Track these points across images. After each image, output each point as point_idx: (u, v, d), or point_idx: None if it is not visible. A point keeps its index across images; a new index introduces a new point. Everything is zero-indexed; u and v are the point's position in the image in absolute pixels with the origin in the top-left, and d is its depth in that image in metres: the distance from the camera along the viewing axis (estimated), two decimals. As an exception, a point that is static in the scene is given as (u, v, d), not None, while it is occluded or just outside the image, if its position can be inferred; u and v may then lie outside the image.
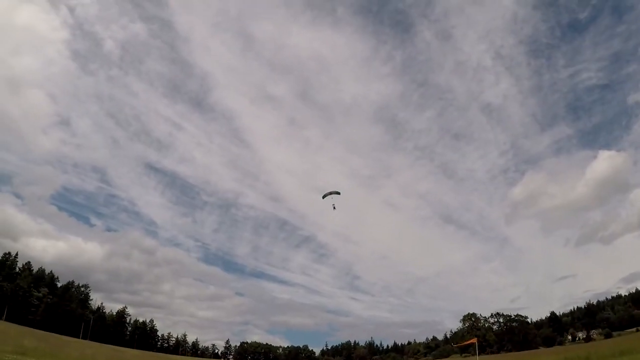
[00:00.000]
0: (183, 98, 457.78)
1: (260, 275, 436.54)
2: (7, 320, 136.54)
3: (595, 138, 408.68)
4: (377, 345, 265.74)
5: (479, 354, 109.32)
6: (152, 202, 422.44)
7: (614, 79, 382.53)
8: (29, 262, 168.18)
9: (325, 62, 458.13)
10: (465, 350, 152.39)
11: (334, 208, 75.09)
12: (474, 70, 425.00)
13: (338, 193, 74.01)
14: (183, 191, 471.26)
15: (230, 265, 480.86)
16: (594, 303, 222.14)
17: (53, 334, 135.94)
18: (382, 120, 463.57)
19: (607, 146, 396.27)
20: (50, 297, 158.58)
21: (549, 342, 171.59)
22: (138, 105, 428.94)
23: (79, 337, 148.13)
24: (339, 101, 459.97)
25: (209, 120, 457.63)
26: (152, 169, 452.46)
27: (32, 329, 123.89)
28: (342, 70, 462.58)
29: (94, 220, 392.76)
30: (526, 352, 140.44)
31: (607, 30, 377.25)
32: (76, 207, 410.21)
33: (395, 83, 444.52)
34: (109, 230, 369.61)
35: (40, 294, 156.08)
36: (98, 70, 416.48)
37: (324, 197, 74.26)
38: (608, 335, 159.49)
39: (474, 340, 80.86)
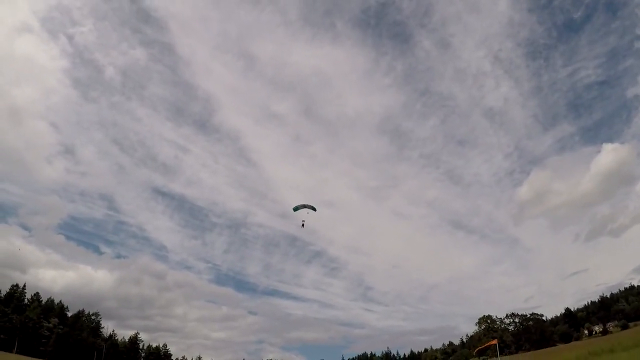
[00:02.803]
0: (187, 121, 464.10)
1: (272, 292, 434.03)
2: (18, 352, 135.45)
3: (597, 134, 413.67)
4: (393, 355, 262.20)
5: (497, 356, 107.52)
6: (161, 227, 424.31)
7: (612, 74, 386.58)
8: (37, 293, 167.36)
9: (327, 77, 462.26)
10: (483, 353, 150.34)
11: (303, 225, 69.78)
12: (474, 76, 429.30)
13: (313, 209, 68.78)
14: (192, 214, 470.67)
15: (242, 284, 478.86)
16: (608, 296, 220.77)
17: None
18: (386, 131, 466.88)
19: (610, 140, 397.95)
20: (61, 327, 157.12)
21: (566, 338, 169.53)
22: (142, 130, 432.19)
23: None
24: (343, 115, 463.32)
25: (214, 141, 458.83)
26: (159, 193, 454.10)
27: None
28: (344, 84, 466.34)
29: (103, 247, 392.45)
30: (546, 349, 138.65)
31: (603, 28, 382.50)
32: (84, 235, 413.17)
33: (398, 93, 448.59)
34: (118, 257, 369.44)
35: (51, 325, 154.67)
36: (100, 97, 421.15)
37: (295, 209, 68.37)
38: (625, 327, 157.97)
39: (495, 341, 79.46)
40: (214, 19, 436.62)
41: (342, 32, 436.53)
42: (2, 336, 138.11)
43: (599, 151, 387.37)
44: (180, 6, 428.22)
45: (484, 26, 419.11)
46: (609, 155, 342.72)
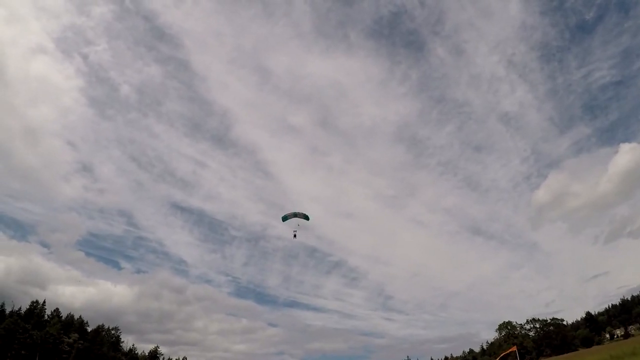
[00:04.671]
0: (204, 136, 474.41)
1: (292, 304, 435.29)
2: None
3: (613, 134, 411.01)
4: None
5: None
6: (181, 241, 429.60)
7: (627, 74, 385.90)
8: (57, 308, 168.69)
9: (343, 88, 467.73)
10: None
11: (295, 236, 63.47)
12: (488, 82, 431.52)
13: (306, 217, 62.62)
14: (211, 228, 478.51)
15: (262, 297, 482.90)
16: (629, 299, 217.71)
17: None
18: (402, 139, 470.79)
19: (627, 140, 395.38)
20: (81, 342, 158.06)
21: (587, 343, 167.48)
22: (160, 146, 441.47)
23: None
24: (359, 125, 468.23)
25: (231, 155, 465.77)
26: (178, 208, 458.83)
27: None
28: (359, 94, 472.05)
29: (122, 263, 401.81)
30: (567, 354, 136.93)
31: (615, 28, 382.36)
32: (104, 251, 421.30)
33: (413, 102, 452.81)
34: (138, 272, 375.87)
35: (71, 340, 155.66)
36: (116, 115, 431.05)
37: (284, 219, 62.52)
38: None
39: (514, 348, 78.65)
40: (228, 34, 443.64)
41: (356, 43, 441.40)
42: (23, 352, 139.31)
43: (616, 152, 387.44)
44: (194, 22, 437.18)
45: (497, 31, 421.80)
46: (627, 155, 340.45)
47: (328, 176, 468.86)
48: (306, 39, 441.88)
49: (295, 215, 62.09)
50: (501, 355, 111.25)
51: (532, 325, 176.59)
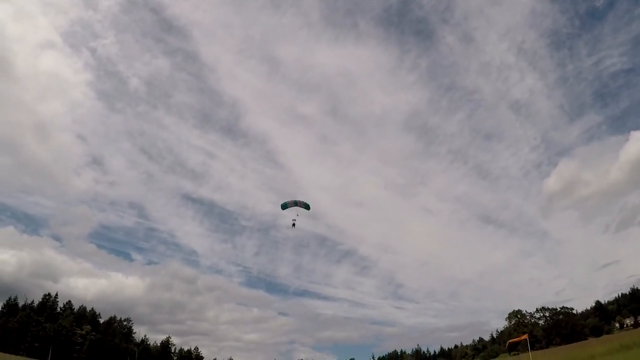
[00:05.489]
0: (214, 127, 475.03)
1: (303, 293, 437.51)
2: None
3: (624, 122, 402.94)
4: (424, 352, 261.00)
5: (528, 351, 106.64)
6: (191, 232, 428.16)
7: (638, 61, 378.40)
8: (69, 301, 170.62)
9: (352, 77, 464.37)
10: (514, 348, 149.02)
11: (294, 225, 60.41)
12: (498, 69, 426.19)
13: (307, 207, 59.60)
14: (221, 218, 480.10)
15: (272, 286, 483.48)
16: (639, 288, 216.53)
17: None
18: (413, 128, 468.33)
19: (638, 128, 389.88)
20: (94, 333, 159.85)
21: (597, 332, 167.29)
22: (170, 138, 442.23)
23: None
24: (369, 114, 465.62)
25: (241, 146, 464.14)
26: (188, 199, 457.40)
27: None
28: (369, 83, 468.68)
29: (134, 255, 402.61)
30: (576, 343, 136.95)
31: (626, 14, 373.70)
32: (115, 243, 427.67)
33: (423, 90, 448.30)
34: (149, 263, 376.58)
35: (84, 332, 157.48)
36: (125, 107, 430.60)
37: (284, 206, 59.38)
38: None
39: (525, 336, 78.73)
40: (236, 25, 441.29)
41: (365, 31, 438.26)
42: (36, 344, 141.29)
43: (627, 139, 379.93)
44: (202, 14, 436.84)
45: (506, 18, 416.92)
46: (638, 143, 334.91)
47: (338, 165, 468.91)
48: (315, 28, 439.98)
49: (295, 203, 59.62)
50: (513, 340, 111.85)
51: (541, 314, 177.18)
